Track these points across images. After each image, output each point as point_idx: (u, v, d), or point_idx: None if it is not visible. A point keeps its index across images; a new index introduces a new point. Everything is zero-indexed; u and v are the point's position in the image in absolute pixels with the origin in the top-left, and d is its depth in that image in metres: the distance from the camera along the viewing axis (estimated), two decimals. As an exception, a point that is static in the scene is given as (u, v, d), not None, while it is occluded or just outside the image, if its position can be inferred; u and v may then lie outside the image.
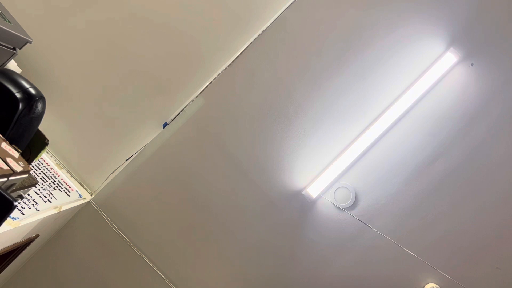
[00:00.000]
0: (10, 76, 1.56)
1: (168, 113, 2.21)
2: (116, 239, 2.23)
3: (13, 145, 1.28)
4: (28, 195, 1.73)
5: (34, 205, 1.74)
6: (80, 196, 2.16)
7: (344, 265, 2.20)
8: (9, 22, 1.65)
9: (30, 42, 1.74)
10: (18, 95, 1.50)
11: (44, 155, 2.12)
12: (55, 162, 2.20)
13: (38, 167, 2.04)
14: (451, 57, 2.05)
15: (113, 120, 2.24)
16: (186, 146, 2.21)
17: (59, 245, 2.26)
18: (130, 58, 2.19)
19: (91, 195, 2.25)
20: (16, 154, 1.24)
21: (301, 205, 2.18)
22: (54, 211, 1.82)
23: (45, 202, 1.83)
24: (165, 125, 2.20)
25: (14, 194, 1.33)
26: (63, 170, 2.21)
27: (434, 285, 2.13)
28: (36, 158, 1.90)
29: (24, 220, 1.59)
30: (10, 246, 1.66)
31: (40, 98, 1.60)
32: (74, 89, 2.22)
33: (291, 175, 2.18)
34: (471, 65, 2.07)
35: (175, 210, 2.24)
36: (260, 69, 2.15)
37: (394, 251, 2.14)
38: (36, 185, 1.69)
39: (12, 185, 1.21)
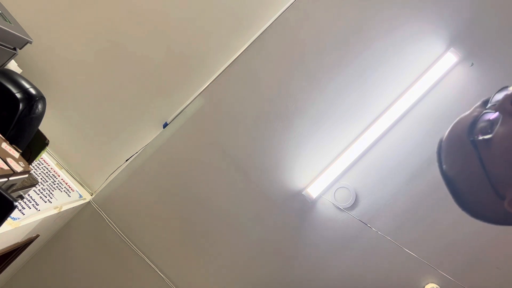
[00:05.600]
0: (11, 76, 1.56)
1: (168, 113, 2.21)
2: (116, 239, 2.23)
3: (14, 145, 1.28)
4: (28, 195, 1.73)
5: (35, 205, 1.74)
6: (80, 196, 2.16)
7: (344, 265, 2.20)
8: (9, 22, 1.65)
9: (31, 42, 1.74)
10: (18, 95, 1.50)
11: (44, 155, 2.12)
12: (55, 162, 2.20)
13: (38, 167, 2.04)
14: (451, 57, 2.05)
15: (113, 120, 2.24)
16: (186, 146, 2.21)
17: (59, 245, 2.26)
18: (130, 58, 2.19)
19: (91, 195, 2.25)
20: (17, 154, 1.24)
21: (301, 205, 2.18)
22: (54, 211, 1.82)
23: (45, 202, 1.83)
24: (165, 125, 2.20)
25: (14, 194, 1.33)
26: (63, 170, 2.21)
27: (434, 285, 2.13)
28: (37, 158, 1.90)
29: (24, 220, 1.59)
30: (10, 246, 1.66)
31: (41, 98, 1.60)
32: (74, 89, 2.22)
33: (291, 175, 2.18)
34: (471, 65, 2.07)
35: (175, 210, 2.24)
36: (260, 69, 2.15)
37: (394, 251, 2.14)
38: (36, 185, 1.69)
39: (12, 185, 1.21)
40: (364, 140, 2.11)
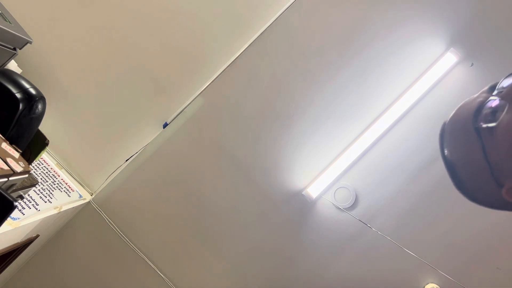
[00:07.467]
0: (10, 76, 1.56)
1: (168, 113, 2.21)
2: (116, 239, 2.23)
3: (14, 145, 1.28)
4: (28, 195, 1.73)
5: (34, 205, 1.74)
6: (80, 196, 2.16)
7: (344, 265, 2.20)
8: (9, 22, 1.65)
9: (31, 42, 1.74)
10: (18, 95, 1.50)
11: (44, 155, 2.12)
12: (55, 162, 2.20)
13: (38, 167, 2.04)
14: (451, 57, 2.05)
15: (113, 120, 2.24)
16: (186, 146, 2.21)
17: (59, 245, 2.26)
18: (130, 58, 2.19)
19: (91, 195, 2.25)
20: (17, 154, 1.24)
21: (301, 206, 2.18)
22: (54, 211, 1.82)
23: (45, 202, 1.83)
24: (165, 125, 2.20)
25: (14, 194, 1.33)
26: (63, 170, 2.21)
27: (434, 285, 2.13)
28: (36, 158, 1.90)
29: (24, 220, 1.59)
30: (10, 246, 1.66)
31: (41, 98, 1.60)
32: (74, 89, 2.22)
33: (291, 175, 2.18)
34: (471, 65, 2.07)
35: (175, 210, 2.24)
36: (260, 69, 2.15)
37: (394, 251, 2.14)
38: (36, 185, 1.69)
39: (12, 185, 1.21)
40: (364, 140, 2.11)
